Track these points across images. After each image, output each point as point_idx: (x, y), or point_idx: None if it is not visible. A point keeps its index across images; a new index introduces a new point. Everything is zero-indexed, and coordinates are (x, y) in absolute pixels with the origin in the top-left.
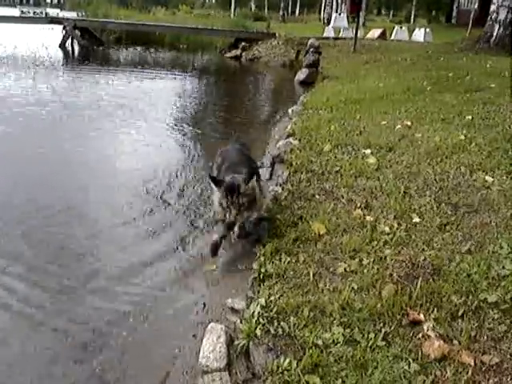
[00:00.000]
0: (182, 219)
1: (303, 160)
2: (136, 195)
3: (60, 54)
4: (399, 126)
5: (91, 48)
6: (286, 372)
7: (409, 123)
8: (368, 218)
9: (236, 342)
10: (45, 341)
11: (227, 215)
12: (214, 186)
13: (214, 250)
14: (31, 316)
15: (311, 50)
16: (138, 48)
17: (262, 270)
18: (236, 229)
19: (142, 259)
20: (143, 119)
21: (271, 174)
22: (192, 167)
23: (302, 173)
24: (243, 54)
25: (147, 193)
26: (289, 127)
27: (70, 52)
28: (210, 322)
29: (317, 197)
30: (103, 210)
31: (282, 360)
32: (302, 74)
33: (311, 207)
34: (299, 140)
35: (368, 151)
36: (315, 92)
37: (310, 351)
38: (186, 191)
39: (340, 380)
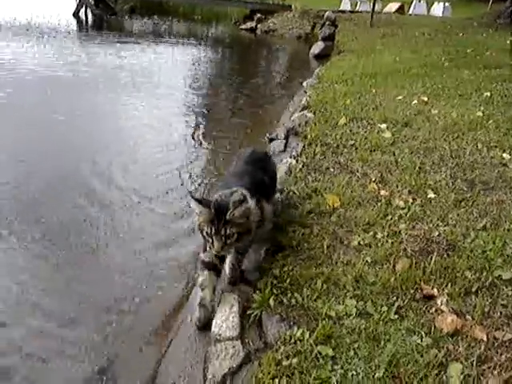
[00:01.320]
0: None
1: (318, 133)
2: (157, 165)
3: (74, 22)
4: (415, 102)
5: (105, 17)
6: (298, 342)
7: (425, 99)
8: (383, 192)
9: (249, 312)
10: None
11: (208, 247)
12: (193, 204)
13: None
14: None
15: (327, 23)
16: (152, 18)
17: (276, 241)
18: (227, 269)
19: (163, 232)
20: (157, 89)
21: (285, 146)
22: (211, 137)
23: (316, 145)
24: (258, 26)
25: (168, 164)
26: (304, 100)
27: (84, 21)
28: (223, 293)
29: (331, 170)
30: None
31: (294, 330)
32: (317, 48)
33: (326, 180)
34: (314, 113)
35: (383, 126)
36: (330, 65)
37: (323, 322)
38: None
39: (352, 351)
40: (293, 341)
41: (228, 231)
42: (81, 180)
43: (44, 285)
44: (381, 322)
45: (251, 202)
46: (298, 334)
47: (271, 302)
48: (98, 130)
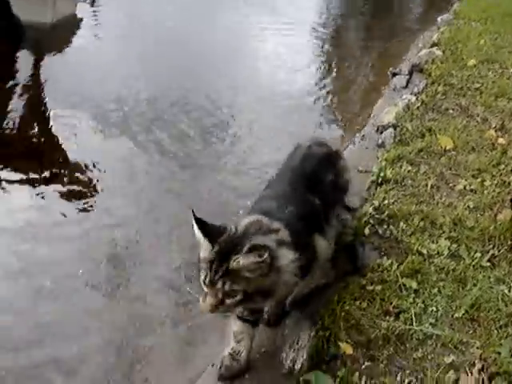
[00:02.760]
0: None
1: (443, 72)
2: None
3: None
4: None
5: None
6: (385, 272)
7: None
8: (500, 140)
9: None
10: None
11: (201, 300)
12: (195, 230)
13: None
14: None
15: None
16: None
17: (381, 175)
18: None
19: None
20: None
21: (407, 83)
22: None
23: (439, 85)
24: None
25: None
26: (434, 36)
27: None
28: None
29: (450, 111)
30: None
31: (384, 260)
32: None
33: (442, 121)
34: (443, 51)
35: None
36: (470, 1)
37: (413, 257)
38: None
39: (436, 289)
40: (380, 270)
41: (227, 287)
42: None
43: None
44: (471, 267)
45: (284, 254)
46: (387, 264)
47: (366, 230)
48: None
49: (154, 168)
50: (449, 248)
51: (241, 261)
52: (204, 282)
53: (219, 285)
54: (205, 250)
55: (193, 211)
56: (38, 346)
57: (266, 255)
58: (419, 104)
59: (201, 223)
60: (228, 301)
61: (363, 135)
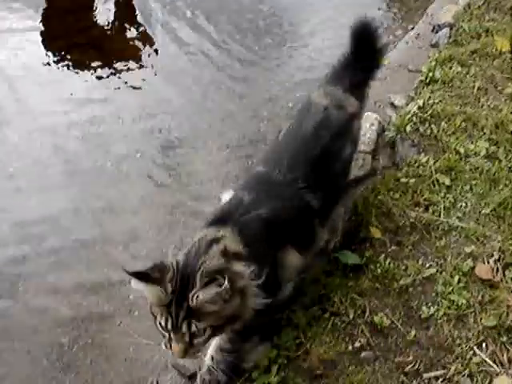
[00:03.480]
0: None
1: None
2: None
3: None
4: None
5: None
6: (421, 167)
7: None
8: None
9: (386, 133)
10: None
11: (165, 346)
12: (137, 284)
13: None
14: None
15: None
16: None
17: (430, 75)
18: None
19: None
20: None
21: None
22: None
23: None
24: None
25: None
26: None
27: None
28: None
29: None
30: None
31: (421, 156)
32: None
33: (503, 22)
34: None
35: None
36: None
37: (450, 155)
38: None
39: (468, 186)
40: (416, 165)
41: (193, 327)
42: None
43: None
44: (506, 168)
45: (240, 269)
46: (423, 161)
47: (408, 128)
48: None
49: (215, 59)
50: (487, 149)
51: (200, 296)
52: (165, 329)
53: (184, 328)
54: (155, 295)
55: (125, 270)
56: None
57: (225, 282)
58: (481, 3)
59: (139, 274)
60: (196, 340)
61: (418, 34)
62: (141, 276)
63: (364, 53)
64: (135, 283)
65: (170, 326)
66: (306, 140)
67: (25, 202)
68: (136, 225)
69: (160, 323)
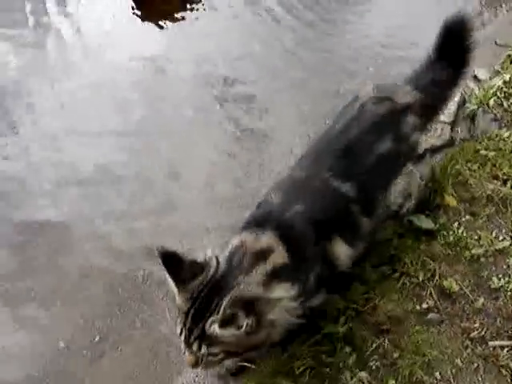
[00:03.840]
0: None
1: None
2: None
3: None
4: None
5: None
6: (502, 141)
7: None
8: None
9: (467, 105)
10: None
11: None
12: (167, 275)
13: None
14: None
15: None
16: None
17: None
18: None
19: None
20: None
21: None
22: None
23: None
24: None
25: None
26: None
27: None
28: None
29: None
30: None
31: (503, 131)
32: None
33: None
34: None
35: None
36: None
37: None
38: None
39: None
40: (497, 139)
41: (203, 350)
42: None
43: None
44: None
45: (278, 294)
46: (505, 135)
47: (491, 102)
48: None
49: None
50: None
51: (216, 330)
52: (180, 335)
53: (195, 347)
54: (177, 296)
55: (157, 249)
56: None
57: (245, 323)
58: None
59: (171, 262)
60: (208, 359)
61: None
62: (171, 266)
63: (453, 51)
64: (166, 274)
65: (182, 337)
66: (333, 135)
67: None
68: None
69: (178, 331)
